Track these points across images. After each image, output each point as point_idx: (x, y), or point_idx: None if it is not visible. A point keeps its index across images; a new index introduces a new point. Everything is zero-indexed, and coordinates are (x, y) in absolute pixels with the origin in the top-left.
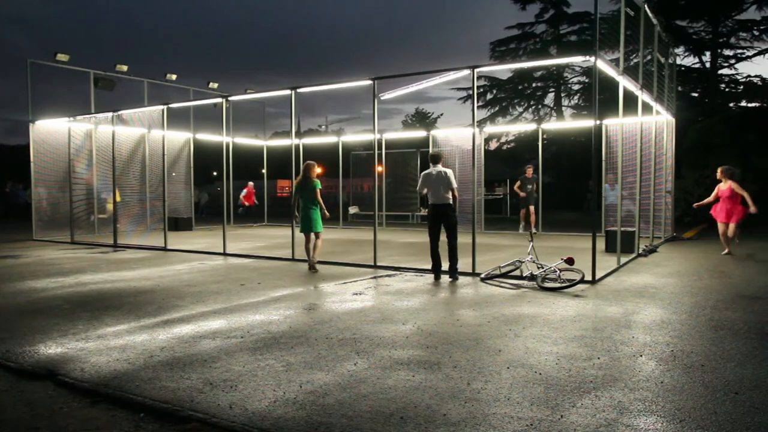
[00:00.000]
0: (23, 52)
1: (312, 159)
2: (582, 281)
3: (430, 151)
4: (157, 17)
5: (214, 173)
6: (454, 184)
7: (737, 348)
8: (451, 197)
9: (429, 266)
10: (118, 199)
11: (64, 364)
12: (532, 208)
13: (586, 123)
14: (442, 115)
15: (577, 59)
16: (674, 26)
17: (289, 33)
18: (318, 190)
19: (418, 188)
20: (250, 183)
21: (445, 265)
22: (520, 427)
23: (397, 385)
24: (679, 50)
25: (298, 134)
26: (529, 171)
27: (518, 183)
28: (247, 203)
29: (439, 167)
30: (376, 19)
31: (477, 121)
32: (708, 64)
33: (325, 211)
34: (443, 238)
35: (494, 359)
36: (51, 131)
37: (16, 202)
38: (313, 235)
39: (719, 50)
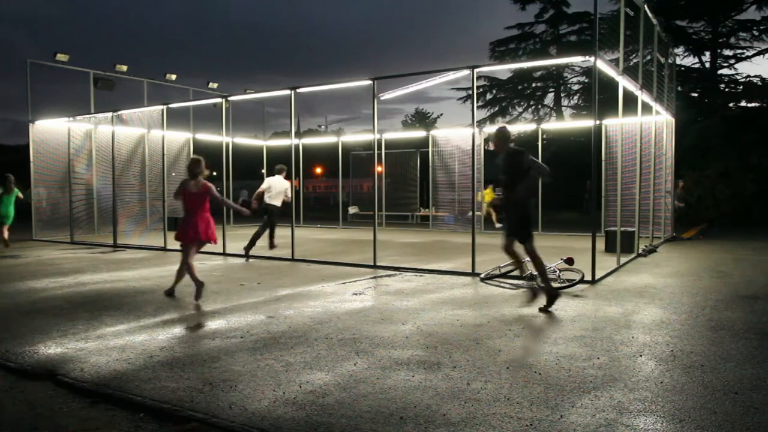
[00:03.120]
0: (23, 52)
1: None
2: (582, 281)
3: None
4: (157, 17)
5: (214, 173)
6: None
7: (737, 348)
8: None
9: (429, 266)
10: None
11: (63, 364)
12: None
13: (586, 123)
14: (441, 115)
15: (576, 59)
16: (674, 26)
17: (289, 33)
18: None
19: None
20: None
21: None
22: (519, 427)
23: (396, 385)
24: (679, 50)
25: (298, 134)
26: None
27: (681, 186)
28: None
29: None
30: (376, 19)
31: (477, 121)
32: (708, 64)
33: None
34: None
35: (494, 359)
36: (51, 131)
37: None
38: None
39: (719, 50)
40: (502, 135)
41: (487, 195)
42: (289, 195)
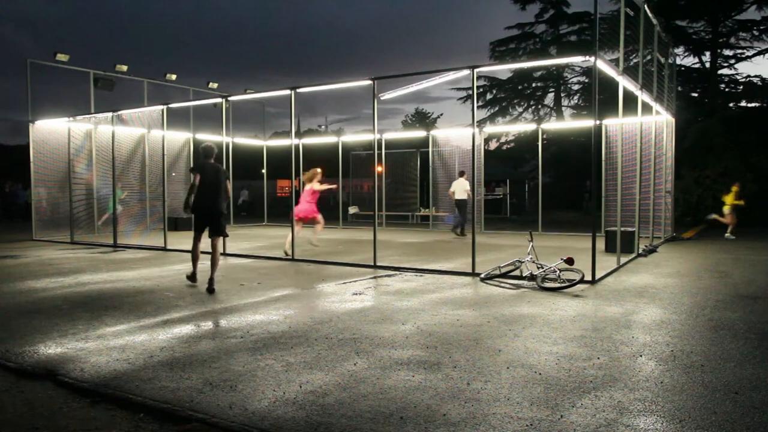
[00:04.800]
0: (23, 52)
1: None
2: (582, 281)
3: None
4: (157, 17)
5: None
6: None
7: (737, 348)
8: None
9: (429, 266)
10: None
11: (63, 364)
12: None
13: (586, 123)
14: (442, 115)
15: (576, 59)
16: (674, 26)
17: (289, 33)
18: None
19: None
20: None
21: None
22: (519, 427)
23: (396, 385)
24: (679, 50)
25: (298, 134)
26: None
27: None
28: None
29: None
30: (376, 19)
31: (477, 121)
32: (708, 64)
33: None
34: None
35: (494, 359)
36: (51, 131)
37: (15, 202)
38: None
39: (719, 50)
40: (205, 152)
41: (730, 198)
42: (469, 190)
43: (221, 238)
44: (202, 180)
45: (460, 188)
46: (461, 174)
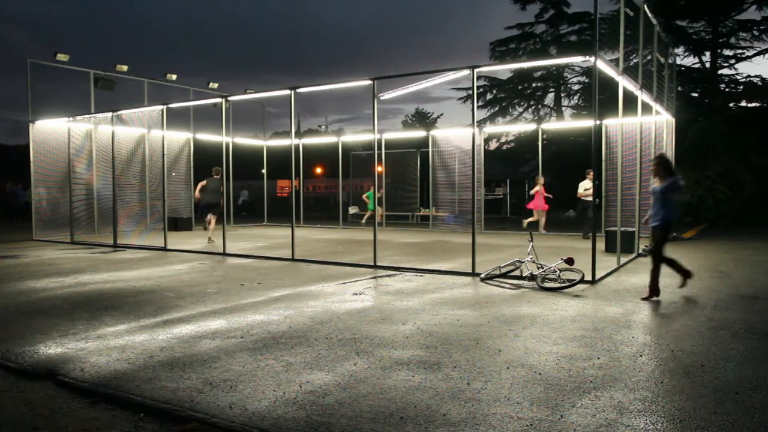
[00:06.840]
0: (24, 52)
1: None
2: (582, 281)
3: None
4: (157, 17)
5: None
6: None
7: (737, 348)
8: None
9: (429, 266)
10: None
11: (64, 364)
12: None
13: (586, 123)
14: (442, 115)
15: (576, 59)
16: (674, 26)
17: (290, 33)
18: None
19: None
20: None
21: None
22: (520, 427)
23: (397, 385)
24: (679, 50)
25: (298, 134)
26: None
27: None
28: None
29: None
30: (377, 19)
31: (477, 121)
32: (708, 64)
33: None
34: None
35: (494, 359)
36: (51, 131)
37: (15, 202)
38: None
39: (719, 50)
40: (214, 171)
41: None
42: (589, 190)
43: (216, 217)
44: (207, 187)
45: (586, 188)
46: (587, 174)
